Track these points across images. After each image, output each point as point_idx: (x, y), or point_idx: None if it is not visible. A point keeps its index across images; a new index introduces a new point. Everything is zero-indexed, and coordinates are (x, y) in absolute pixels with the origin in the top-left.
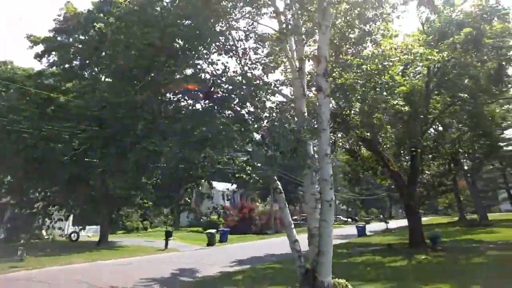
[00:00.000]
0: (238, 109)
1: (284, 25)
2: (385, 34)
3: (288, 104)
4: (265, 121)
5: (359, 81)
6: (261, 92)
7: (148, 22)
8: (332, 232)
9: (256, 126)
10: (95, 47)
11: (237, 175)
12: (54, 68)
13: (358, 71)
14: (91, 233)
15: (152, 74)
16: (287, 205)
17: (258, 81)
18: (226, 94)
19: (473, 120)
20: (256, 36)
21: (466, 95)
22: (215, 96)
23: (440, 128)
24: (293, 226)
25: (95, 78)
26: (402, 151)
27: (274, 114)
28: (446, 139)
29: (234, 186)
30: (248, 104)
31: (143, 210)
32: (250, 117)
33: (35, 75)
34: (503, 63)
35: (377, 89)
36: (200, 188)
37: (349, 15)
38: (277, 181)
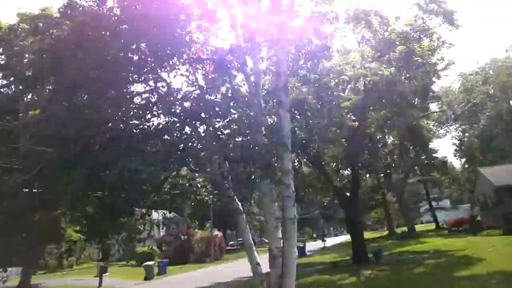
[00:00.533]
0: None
1: (242, 38)
2: (339, 50)
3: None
4: (239, 136)
5: (312, 95)
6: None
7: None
8: (295, 251)
9: (233, 140)
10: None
11: (198, 197)
12: None
13: (315, 85)
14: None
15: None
16: (248, 227)
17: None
18: (198, 106)
19: (408, 134)
20: (212, 49)
21: (397, 110)
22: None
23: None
24: (254, 248)
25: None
26: (342, 166)
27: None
28: (380, 153)
29: (170, 213)
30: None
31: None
32: (227, 131)
33: None
34: (429, 79)
35: (334, 103)
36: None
37: (305, 30)
38: (238, 202)
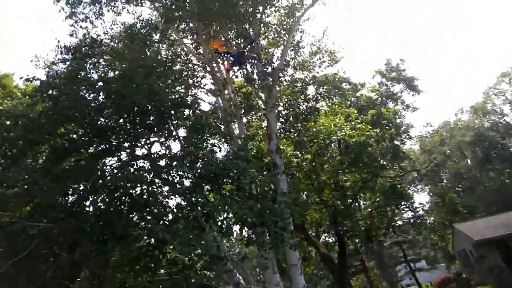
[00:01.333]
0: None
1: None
2: (327, 112)
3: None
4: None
5: (307, 156)
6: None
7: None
8: None
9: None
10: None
11: (200, 274)
12: None
13: (307, 147)
14: None
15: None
16: None
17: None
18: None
19: (389, 194)
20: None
21: (371, 171)
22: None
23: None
24: None
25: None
26: (323, 232)
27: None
28: (361, 216)
29: None
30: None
31: None
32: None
33: None
34: (399, 142)
35: (326, 165)
36: None
37: (293, 95)
38: (238, 275)
